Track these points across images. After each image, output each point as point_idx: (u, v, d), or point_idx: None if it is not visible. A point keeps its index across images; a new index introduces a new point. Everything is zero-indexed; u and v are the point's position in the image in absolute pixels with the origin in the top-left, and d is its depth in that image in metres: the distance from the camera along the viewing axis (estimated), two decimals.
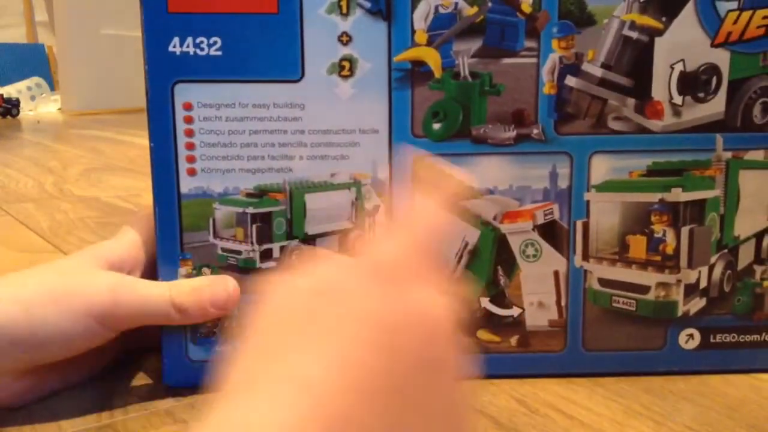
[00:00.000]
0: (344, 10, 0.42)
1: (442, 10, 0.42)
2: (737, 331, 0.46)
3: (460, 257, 0.45)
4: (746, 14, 0.43)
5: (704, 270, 0.46)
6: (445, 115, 0.43)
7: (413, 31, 0.43)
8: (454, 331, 0.28)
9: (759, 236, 0.46)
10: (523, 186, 0.44)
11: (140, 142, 1.97)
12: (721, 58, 0.43)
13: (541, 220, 0.45)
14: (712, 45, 0.43)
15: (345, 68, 0.43)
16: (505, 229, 0.45)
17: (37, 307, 0.39)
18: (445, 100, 0.43)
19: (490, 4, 0.42)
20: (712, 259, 0.46)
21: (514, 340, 0.46)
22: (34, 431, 0.40)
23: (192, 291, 0.42)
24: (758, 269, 0.46)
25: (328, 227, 0.45)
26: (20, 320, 0.39)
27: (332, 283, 0.28)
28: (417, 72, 0.43)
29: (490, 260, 0.45)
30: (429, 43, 0.43)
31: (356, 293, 0.28)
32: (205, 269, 0.44)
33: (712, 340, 0.47)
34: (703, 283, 0.46)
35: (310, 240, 0.44)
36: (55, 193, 1.17)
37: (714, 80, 0.44)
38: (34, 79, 3.10)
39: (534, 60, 0.43)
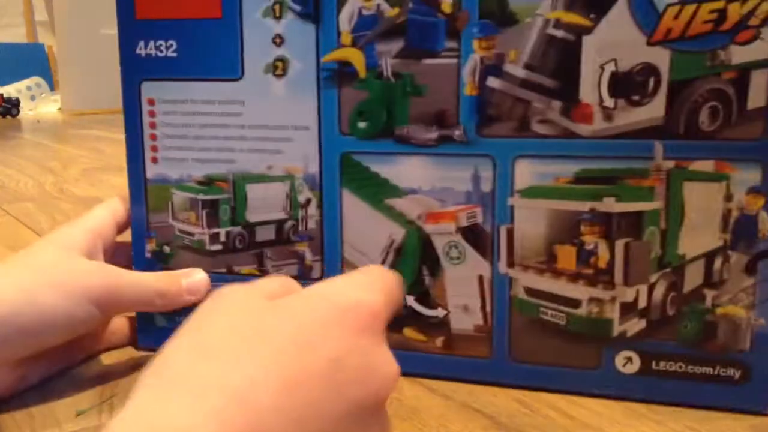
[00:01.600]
0: (277, 14, 0.44)
1: (365, 12, 0.43)
2: (684, 360, 0.41)
3: (387, 254, 0.45)
4: (690, 8, 0.38)
5: (643, 288, 0.41)
6: (369, 114, 0.44)
7: (339, 33, 0.44)
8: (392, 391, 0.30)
9: (709, 257, 0.40)
10: (446, 187, 0.43)
11: None
12: (660, 58, 0.39)
13: (464, 223, 0.43)
14: (649, 43, 0.39)
15: (278, 68, 0.45)
16: (428, 230, 0.44)
17: (41, 295, 0.40)
18: (370, 99, 0.43)
19: (411, 5, 0.42)
20: (653, 278, 0.41)
21: (439, 341, 0.45)
22: (33, 430, 0.40)
23: (170, 277, 0.47)
24: (709, 294, 0.40)
25: (266, 216, 0.47)
26: (26, 308, 0.40)
27: (291, 307, 0.29)
28: (343, 72, 0.44)
29: (415, 259, 0.45)
30: (354, 44, 0.43)
31: (312, 323, 0.28)
32: (165, 247, 0.49)
33: (654, 367, 0.42)
34: (642, 303, 0.41)
35: (250, 227, 0.48)
36: (55, 192, 1.15)
37: (651, 81, 0.39)
38: (34, 79, 3.08)
39: (455, 60, 0.42)
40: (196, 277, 0.47)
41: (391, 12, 0.42)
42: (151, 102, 0.47)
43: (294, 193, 0.46)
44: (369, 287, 0.31)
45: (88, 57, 2.88)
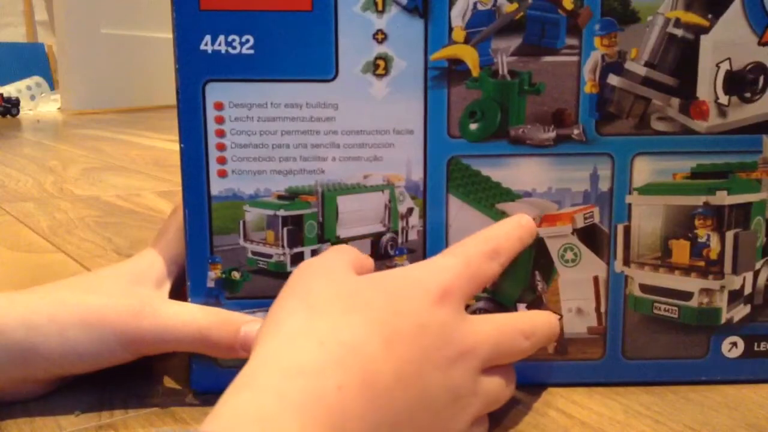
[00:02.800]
0: (380, 8, 0.40)
1: (480, 7, 0.40)
2: None
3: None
4: None
5: (749, 276, 0.43)
6: (482, 115, 0.41)
7: (450, 29, 0.40)
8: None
9: None
10: (563, 188, 0.42)
11: (140, 141, 1.94)
12: None
13: (580, 224, 0.43)
14: (760, 43, 0.41)
15: (380, 67, 0.41)
16: (543, 233, 0.43)
17: (70, 330, 0.39)
18: (483, 99, 0.41)
19: (530, 1, 0.40)
20: (757, 265, 0.43)
21: (551, 348, 0.44)
22: (33, 430, 0.39)
23: (224, 323, 0.40)
24: None
25: (360, 230, 0.42)
26: (55, 341, 0.39)
27: (382, 281, 0.35)
28: (454, 71, 0.41)
29: (527, 265, 0.43)
30: (467, 41, 0.41)
31: (399, 295, 0.34)
32: (234, 273, 0.42)
33: (756, 349, 0.44)
34: (748, 290, 0.43)
35: (341, 243, 0.43)
36: (55, 192, 1.15)
37: (761, 80, 0.42)
38: (34, 79, 3.06)
39: (575, 58, 0.41)
40: (256, 327, 0.40)
41: (509, 7, 0.40)
42: (219, 106, 0.40)
43: (394, 203, 0.42)
44: (447, 268, 0.35)
45: (88, 57, 2.83)
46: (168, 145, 1.83)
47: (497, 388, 0.36)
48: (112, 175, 1.33)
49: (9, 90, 2.84)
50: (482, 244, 0.38)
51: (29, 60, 3.30)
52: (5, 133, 2.23)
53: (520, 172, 0.42)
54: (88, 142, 1.91)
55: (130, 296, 0.41)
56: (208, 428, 0.26)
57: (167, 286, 0.43)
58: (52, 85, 3.20)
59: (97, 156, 1.62)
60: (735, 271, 0.43)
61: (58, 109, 2.98)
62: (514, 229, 0.40)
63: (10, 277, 0.70)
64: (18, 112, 2.69)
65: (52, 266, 0.72)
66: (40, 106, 3.00)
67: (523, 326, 0.37)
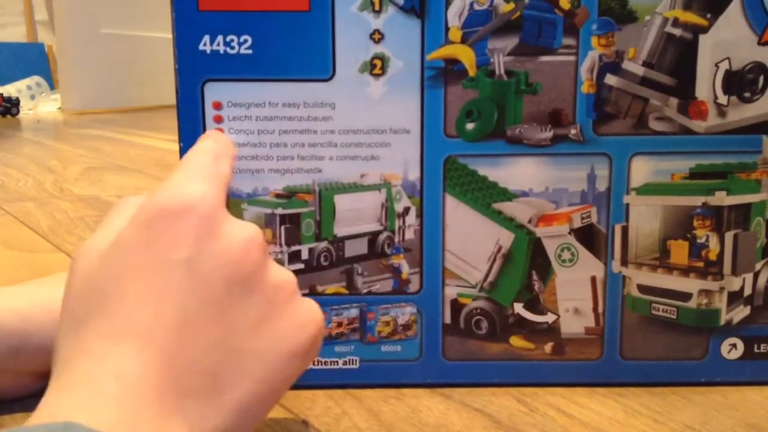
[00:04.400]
0: (377, 7, 0.40)
1: (477, 7, 0.40)
2: None
3: (493, 261, 0.43)
4: None
5: (748, 277, 0.43)
6: (479, 114, 0.41)
7: (447, 29, 0.40)
8: (261, 251, 0.30)
9: None
10: (560, 188, 0.42)
11: (140, 141, 1.93)
12: None
13: (578, 224, 0.42)
14: (759, 43, 0.40)
15: (377, 66, 0.41)
16: (540, 233, 0.42)
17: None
18: (480, 99, 0.41)
19: (527, 1, 0.40)
20: (757, 266, 0.43)
21: (548, 348, 0.43)
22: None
23: None
24: None
25: (357, 229, 0.42)
26: (47, 331, 0.39)
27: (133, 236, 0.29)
28: (450, 70, 0.40)
29: (524, 265, 0.43)
30: (463, 41, 0.40)
31: (156, 239, 0.28)
32: None
33: (756, 350, 0.44)
34: (747, 291, 0.43)
35: (338, 242, 0.43)
36: (55, 192, 1.14)
37: (761, 79, 0.41)
38: (34, 78, 3.06)
39: (572, 58, 0.40)
40: None
41: (505, 7, 0.40)
42: (218, 106, 0.41)
43: (391, 203, 0.42)
44: (196, 180, 0.30)
45: (88, 56, 2.82)
46: (168, 144, 1.83)
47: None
48: (112, 175, 1.32)
49: (9, 90, 2.83)
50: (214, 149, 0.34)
51: (29, 60, 3.29)
52: (5, 133, 2.21)
53: (517, 172, 0.41)
54: (88, 142, 1.89)
55: None
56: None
57: None
58: (52, 85, 3.19)
59: (97, 156, 1.61)
60: (734, 272, 0.42)
61: (58, 108, 2.97)
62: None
63: (10, 276, 0.69)
64: (18, 111, 2.68)
65: (52, 266, 0.72)
66: (40, 105, 2.98)
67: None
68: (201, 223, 0.28)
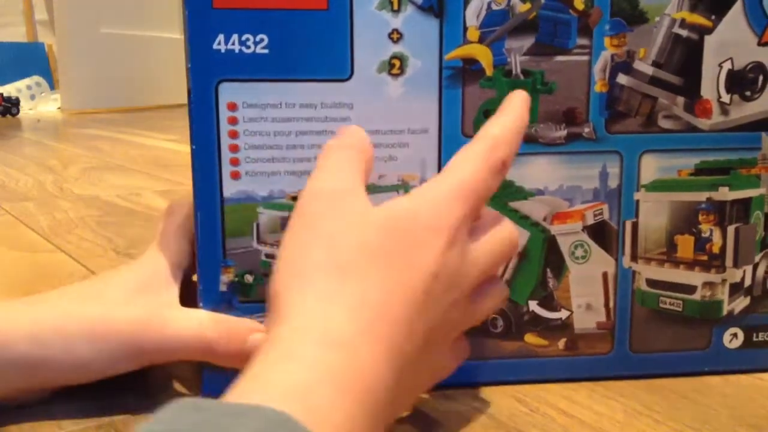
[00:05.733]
0: (395, 7, 0.39)
1: (494, 7, 0.40)
2: None
3: (509, 259, 0.43)
4: None
5: (749, 269, 0.44)
6: None
7: (465, 28, 0.40)
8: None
9: None
10: (574, 186, 0.42)
11: (140, 141, 1.89)
12: (767, 57, 0.42)
13: (590, 221, 0.43)
14: (759, 44, 0.42)
15: (395, 66, 0.40)
16: (554, 231, 0.43)
17: (76, 343, 0.38)
18: (497, 98, 0.40)
19: (543, 1, 0.40)
20: (756, 258, 0.44)
21: (561, 344, 0.44)
22: (33, 430, 0.38)
23: (231, 331, 0.39)
24: None
25: None
26: (60, 353, 0.38)
27: (401, 230, 0.33)
28: (468, 70, 0.40)
29: (539, 262, 0.43)
30: (481, 41, 0.40)
31: (415, 243, 0.32)
32: (247, 276, 0.41)
33: (754, 339, 0.45)
34: (747, 282, 0.44)
35: None
36: (55, 192, 1.12)
37: (760, 79, 0.42)
38: (34, 78, 2.99)
39: (586, 58, 0.41)
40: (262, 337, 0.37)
41: (522, 7, 0.40)
42: (233, 107, 0.39)
43: None
44: (455, 203, 0.33)
45: (88, 56, 2.76)
46: (168, 144, 1.78)
47: (484, 311, 0.37)
48: (112, 175, 1.30)
49: (9, 89, 2.76)
50: (488, 155, 0.35)
51: (29, 59, 3.20)
52: (5, 133, 2.15)
53: (533, 171, 0.41)
54: (88, 142, 1.85)
55: (136, 306, 0.39)
56: (254, 399, 0.25)
57: (175, 292, 0.41)
58: (52, 85, 3.11)
59: (97, 155, 1.58)
60: (736, 264, 0.43)
61: (58, 108, 2.90)
62: (517, 125, 0.36)
63: (10, 276, 0.68)
64: (18, 111, 2.61)
65: (52, 266, 0.71)
66: (40, 105, 2.91)
67: (511, 236, 0.36)
68: (447, 242, 0.32)
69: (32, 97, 2.93)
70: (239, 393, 0.26)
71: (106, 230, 0.85)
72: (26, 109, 2.82)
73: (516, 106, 0.36)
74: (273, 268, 0.33)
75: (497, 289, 0.36)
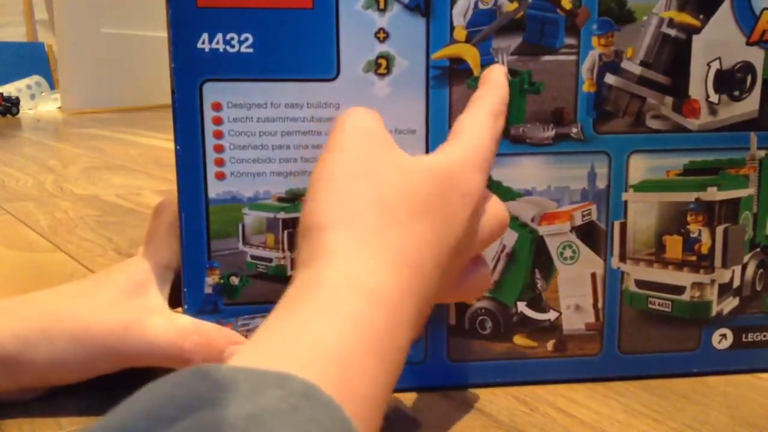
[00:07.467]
0: (382, 6, 0.39)
1: (481, 6, 0.40)
2: (767, 329, 0.45)
3: (497, 261, 0.42)
4: None
5: (737, 269, 0.44)
6: None
7: (452, 28, 0.39)
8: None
9: None
10: (562, 186, 0.42)
11: (140, 140, 1.88)
12: (756, 57, 0.41)
13: (579, 221, 0.42)
14: (747, 43, 0.42)
15: (381, 66, 0.39)
16: (542, 231, 0.42)
17: (59, 343, 0.38)
18: None
19: (530, 0, 0.40)
20: (745, 258, 0.44)
21: (550, 345, 0.43)
22: (33, 430, 0.38)
23: (208, 346, 0.39)
24: None
25: None
26: (44, 354, 0.38)
27: (435, 181, 0.33)
28: (455, 70, 0.40)
29: (527, 263, 0.42)
30: (468, 40, 0.40)
31: (444, 194, 0.32)
32: (233, 278, 0.40)
33: (743, 340, 0.45)
34: (736, 283, 0.44)
35: None
36: (55, 191, 1.12)
37: (749, 78, 0.42)
38: (34, 78, 2.98)
39: (574, 57, 0.40)
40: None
41: (509, 7, 0.39)
42: (217, 107, 0.39)
43: None
44: (477, 160, 0.34)
45: (88, 56, 2.76)
46: (168, 144, 1.77)
47: (469, 294, 0.38)
48: (112, 175, 1.29)
49: (9, 89, 2.76)
50: (493, 125, 0.36)
51: (29, 59, 3.19)
52: (5, 133, 2.15)
53: (520, 171, 0.41)
54: (88, 142, 1.84)
55: (121, 310, 0.39)
56: (288, 359, 0.24)
57: (163, 295, 0.40)
58: (52, 85, 3.10)
59: (97, 155, 1.57)
60: (725, 264, 0.43)
61: (58, 108, 2.90)
62: (504, 96, 0.37)
63: (10, 276, 0.67)
64: (18, 111, 2.61)
65: (52, 266, 0.70)
66: (40, 105, 2.91)
67: (503, 212, 0.37)
68: (474, 208, 0.34)
69: (32, 97, 2.93)
70: (274, 349, 0.25)
71: (106, 230, 0.85)
72: (26, 109, 2.82)
73: (498, 77, 0.37)
74: (306, 196, 0.32)
75: (482, 273, 0.36)
